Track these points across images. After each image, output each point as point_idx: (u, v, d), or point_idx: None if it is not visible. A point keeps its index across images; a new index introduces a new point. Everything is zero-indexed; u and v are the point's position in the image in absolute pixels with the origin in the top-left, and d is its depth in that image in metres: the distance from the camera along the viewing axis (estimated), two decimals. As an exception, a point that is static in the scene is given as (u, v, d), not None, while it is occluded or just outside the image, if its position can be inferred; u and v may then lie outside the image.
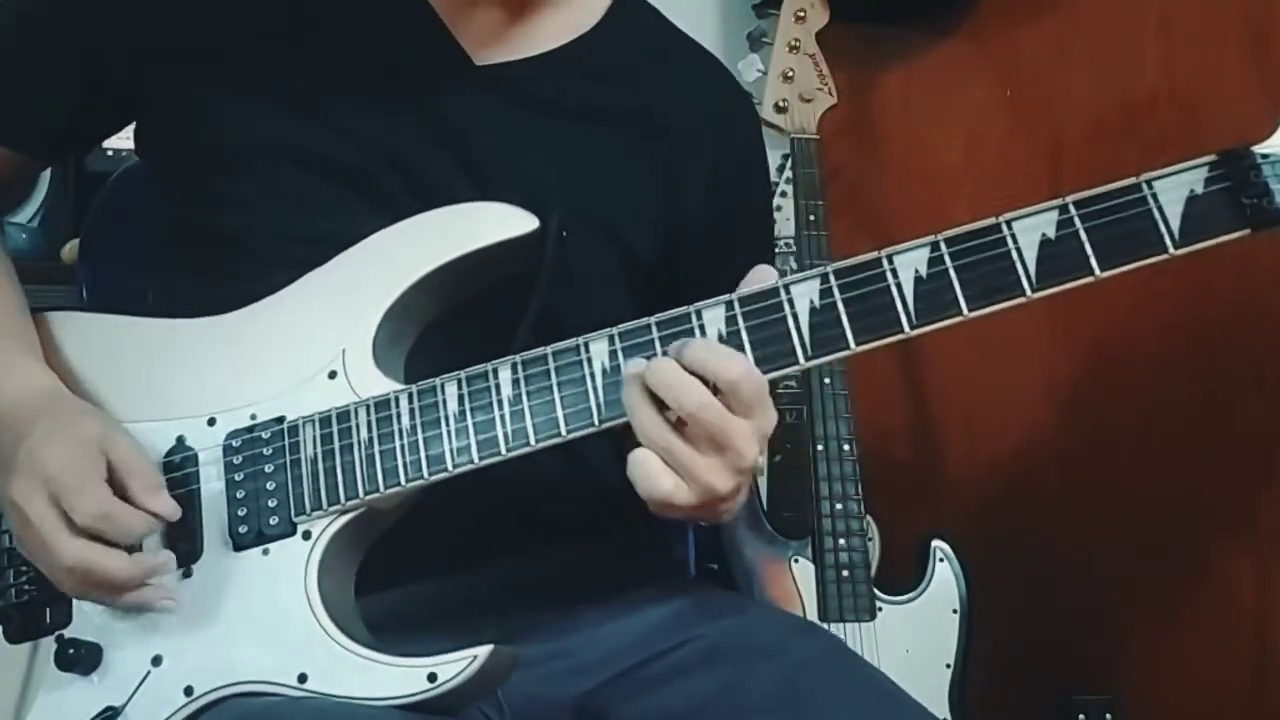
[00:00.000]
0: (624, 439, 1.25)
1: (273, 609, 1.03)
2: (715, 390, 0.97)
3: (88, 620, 1.08)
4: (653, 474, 0.98)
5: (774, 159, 2.10)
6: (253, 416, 1.08)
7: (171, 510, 1.05)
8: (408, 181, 1.15)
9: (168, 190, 1.22)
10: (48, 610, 1.09)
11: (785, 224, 2.09)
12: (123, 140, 1.30)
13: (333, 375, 1.07)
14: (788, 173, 2.11)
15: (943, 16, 2.32)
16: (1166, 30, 1.97)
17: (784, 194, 2.12)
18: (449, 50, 1.19)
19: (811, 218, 2.03)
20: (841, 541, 1.94)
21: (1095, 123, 2.06)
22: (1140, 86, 1.99)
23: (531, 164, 1.18)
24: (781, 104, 2.07)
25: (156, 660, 1.05)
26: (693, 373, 0.97)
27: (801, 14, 2.10)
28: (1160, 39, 1.97)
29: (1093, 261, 0.97)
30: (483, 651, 0.98)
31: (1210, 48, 1.91)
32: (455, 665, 0.98)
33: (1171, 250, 0.97)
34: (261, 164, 1.15)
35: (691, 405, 0.96)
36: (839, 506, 1.96)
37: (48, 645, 1.08)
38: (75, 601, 1.09)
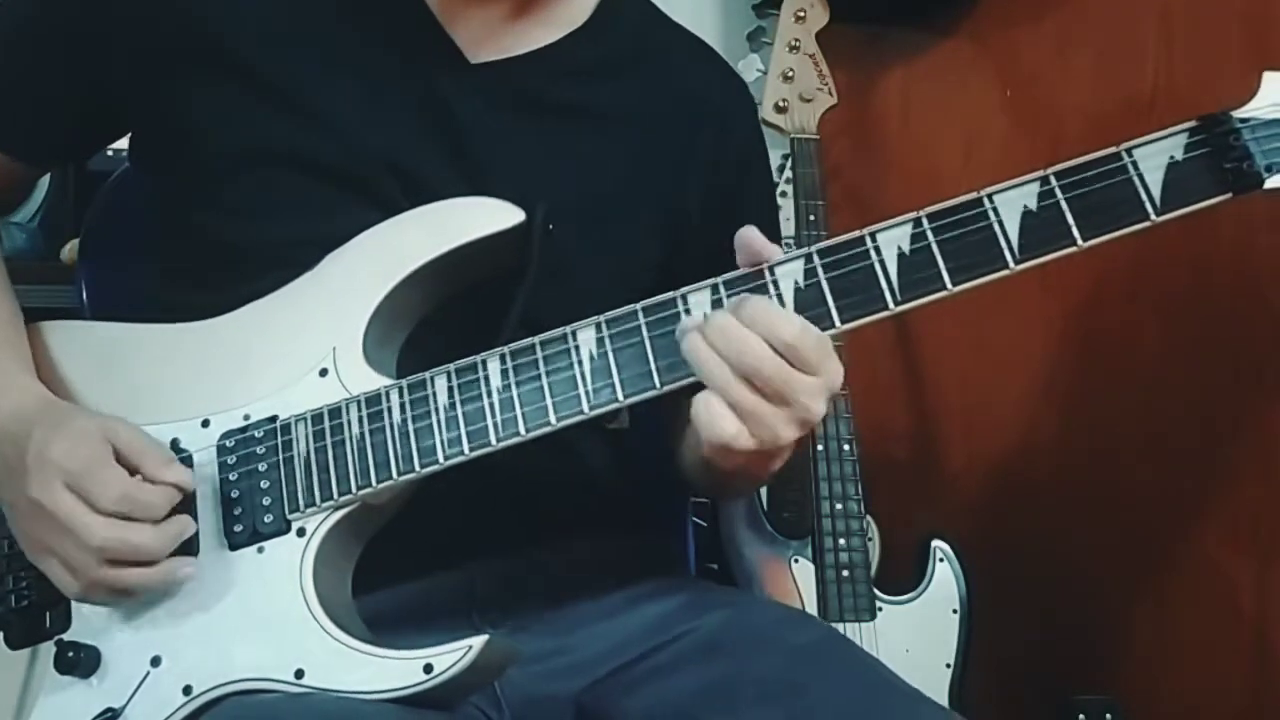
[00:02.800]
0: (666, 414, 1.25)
1: (269, 606, 1.03)
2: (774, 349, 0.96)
3: (86, 623, 1.09)
4: (716, 415, 0.96)
5: (774, 159, 2.09)
6: (246, 417, 1.09)
7: (188, 480, 1.06)
8: (402, 182, 1.15)
9: (162, 195, 1.23)
10: (47, 615, 1.10)
11: (785, 224, 2.09)
12: (124, 141, 1.30)
13: (324, 373, 1.08)
14: (788, 173, 2.10)
15: (943, 16, 2.31)
16: (1166, 30, 1.96)
17: (784, 194, 2.12)
18: (444, 48, 1.19)
19: (811, 218, 2.03)
20: (841, 541, 1.94)
21: (1095, 123, 2.05)
22: (1140, 86, 1.99)
23: (525, 161, 1.18)
24: (781, 104, 2.07)
25: (155, 661, 1.06)
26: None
27: (801, 14, 2.10)
28: (1160, 39, 1.97)
29: (1075, 231, 0.98)
30: (478, 641, 0.99)
31: (1210, 48, 1.90)
32: (451, 656, 0.98)
33: (1153, 217, 0.98)
34: (255, 166, 1.15)
35: (751, 359, 0.95)
36: (839, 506, 1.95)
37: (47, 649, 1.09)
38: (74, 605, 1.10)
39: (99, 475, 1.03)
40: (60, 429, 1.06)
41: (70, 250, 1.98)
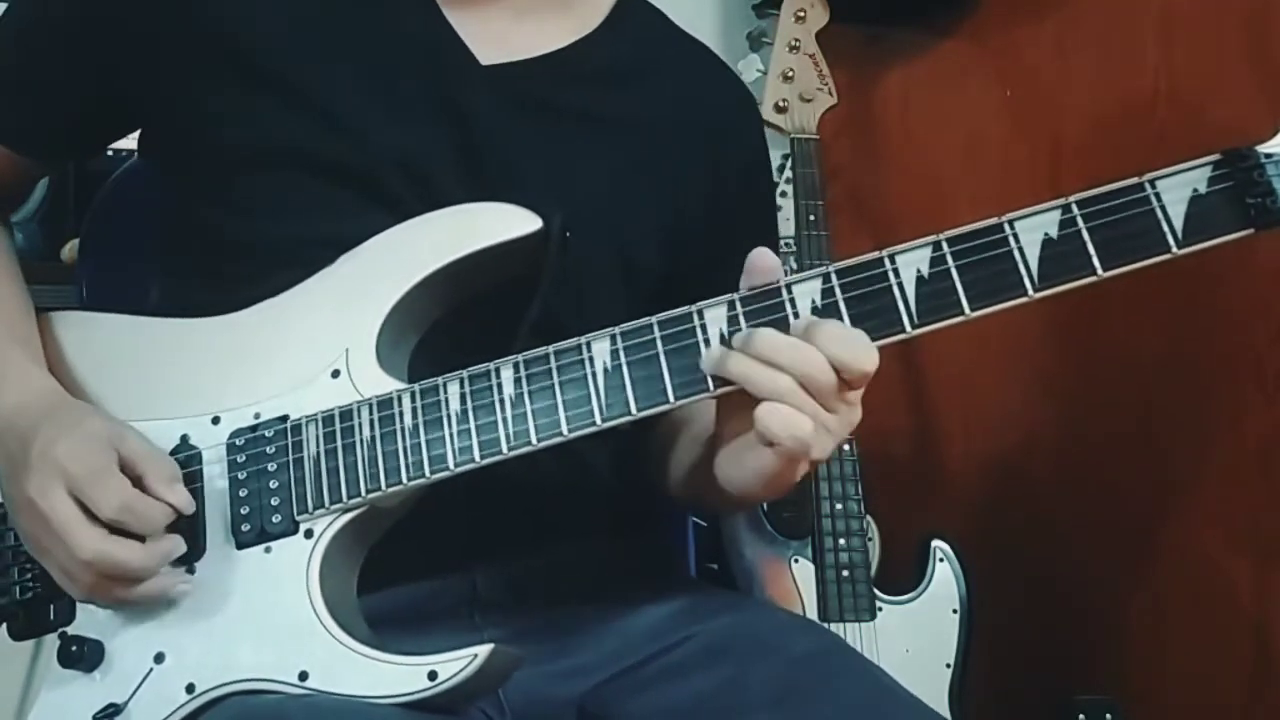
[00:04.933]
0: (625, 439, 1.25)
1: (274, 607, 1.03)
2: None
3: (91, 617, 1.08)
4: (791, 418, 0.96)
5: (774, 159, 2.08)
6: (256, 415, 1.08)
7: (187, 503, 1.06)
8: (413, 183, 1.15)
9: (172, 192, 1.22)
10: (51, 607, 1.10)
11: (785, 224, 2.09)
12: (123, 140, 1.30)
13: (336, 374, 1.07)
14: (788, 173, 2.11)
15: (943, 17, 2.32)
16: (1166, 30, 1.97)
17: (784, 194, 2.12)
18: (455, 49, 1.19)
19: (811, 218, 2.03)
20: (841, 541, 1.94)
21: (1095, 123, 2.06)
22: (1140, 86, 1.99)
23: (534, 166, 1.18)
24: (781, 104, 2.07)
25: (159, 658, 1.05)
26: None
27: (801, 14, 2.10)
28: (1160, 39, 1.97)
29: (1095, 261, 0.97)
30: (483, 650, 0.98)
31: (1210, 48, 1.90)
32: (456, 664, 0.98)
33: (1175, 250, 0.97)
34: (267, 166, 1.14)
35: (811, 367, 0.95)
36: (839, 506, 1.96)
37: (50, 642, 1.09)
38: (79, 599, 1.09)
39: (102, 482, 1.03)
40: (67, 429, 1.06)
41: (70, 250, 1.98)
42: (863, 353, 0.97)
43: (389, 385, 1.06)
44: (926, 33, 2.36)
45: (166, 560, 1.04)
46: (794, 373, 0.96)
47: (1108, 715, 1.87)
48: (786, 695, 1.07)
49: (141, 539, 1.03)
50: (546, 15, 1.22)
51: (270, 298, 1.12)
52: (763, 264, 1.01)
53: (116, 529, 1.02)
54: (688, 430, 1.23)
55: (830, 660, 1.12)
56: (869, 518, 2.05)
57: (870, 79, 2.42)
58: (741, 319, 1.00)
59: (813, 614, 1.92)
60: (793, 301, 1.00)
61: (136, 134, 1.25)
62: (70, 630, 1.08)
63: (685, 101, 1.28)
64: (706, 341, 1.01)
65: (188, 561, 1.06)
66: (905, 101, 2.41)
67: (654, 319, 1.02)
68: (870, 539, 2.04)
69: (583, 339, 1.03)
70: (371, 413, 1.05)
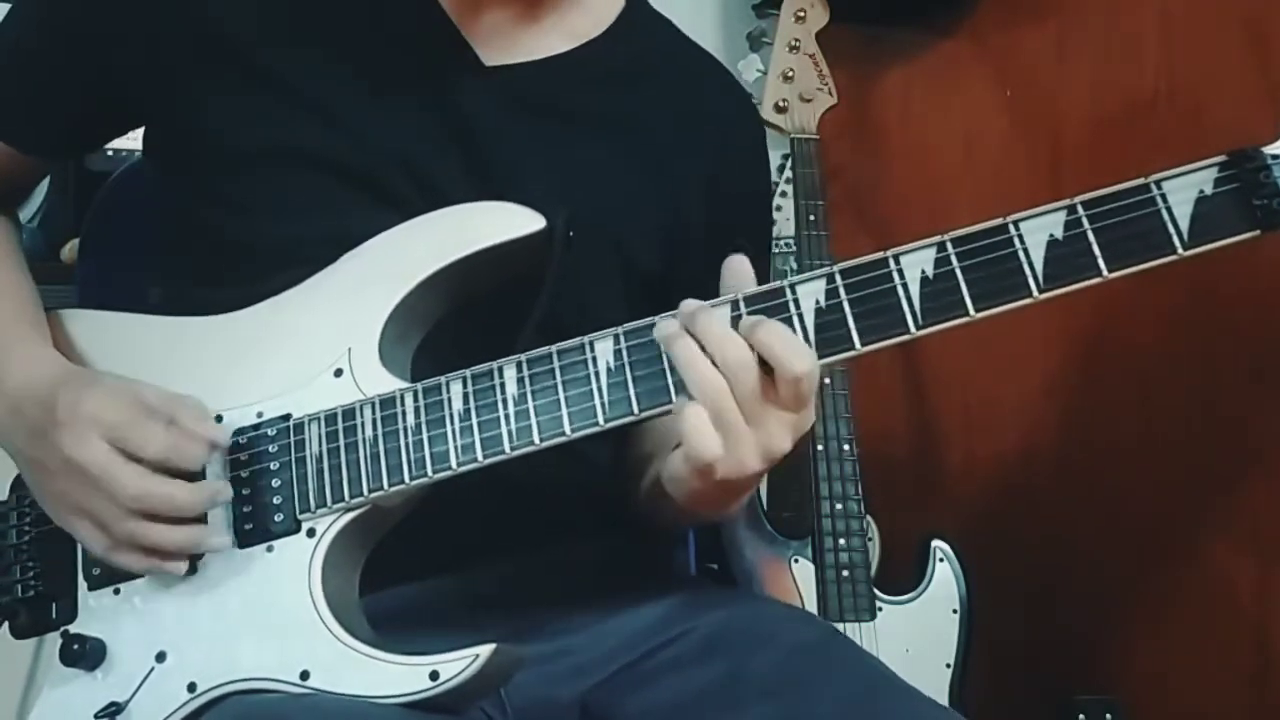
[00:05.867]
0: (627, 440, 1.25)
1: (276, 606, 1.03)
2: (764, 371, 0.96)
3: (93, 616, 1.09)
4: (704, 432, 0.96)
5: (774, 159, 2.09)
6: (259, 414, 1.08)
7: (223, 436, 1.07)
8: (415, 181, 1.15)
9: (173, 192, 1.22)
10: (54, 606, 1.10)
11: (785, 224, 2.09)
12: (123, 140, 1.30)
13: (338, 373, 1.07)
14: (788, 173, 2.11)
15: (943, 16, 2.32)
16: (1166, 30, 1.97)
17: (784, 194, 2.12)
18: (459, 50, 1.19)
19: (811, 218, 2.03)
20: (841, 541, 1.95)
21: (1095, 123, 2.06)
22: (1140, 87, 1.99)
23: (536, 166, 1.18)
24: (781, 104, 2.07)
25: (160, 656, 1.05)
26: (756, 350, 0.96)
27: (801, 14, 2.11)
28: (1160, 39, 1.98)
29: (1101, 262, 0.97)
30: (485, 650, 0.98)
31: (1210, 48, 1.91)
32: (457, 664, 0.98)
33: (1181, 251, 0.97)
34: (270, 165, 1.15)
35: (733, 361, 0.95)
36: (839, 506, 1.96)
37: (52, 641, 1.09)
38: (81, 597, 1.09)
39: (141, 425, 1.04)
40: (88, 387, 1.06)
41: (70, 250, 1.98)
42: (799, 352, 0.95)
43: (392, 384, 1.06)
44: (926, 33, 2.36)
45: (214, 500, 1.05)
46: (724, 367, 0.95)
47: (1108, 715, 1.87)
48: (784, 686, 1.07)
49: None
50: (553, 18, 1.22)
51: (272, 296, 1.12)
52: (735, 268, 1.02)
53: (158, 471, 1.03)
54: (652, 439, 1.23)
55: (827, 650, 1.12)
56: (869, 518, 2.05)
57: (870, 79, 2.42)
58: (744, 319, 1.00)
59: (812, 613, 1.92)
60: (796, 302, 1.00)
61: (140, 133, 1.25)
62: (72, 628, 1.08)
63: (687, 106, 1.28)
64: None
65: (190, 561, 1.06)
66: (905, 102, 2.42)
67: (657, 319, 1.02)
68: (870, 539, 2.04)
69: (586, 338, 1.03)
70: (374, 412, 1.05)
